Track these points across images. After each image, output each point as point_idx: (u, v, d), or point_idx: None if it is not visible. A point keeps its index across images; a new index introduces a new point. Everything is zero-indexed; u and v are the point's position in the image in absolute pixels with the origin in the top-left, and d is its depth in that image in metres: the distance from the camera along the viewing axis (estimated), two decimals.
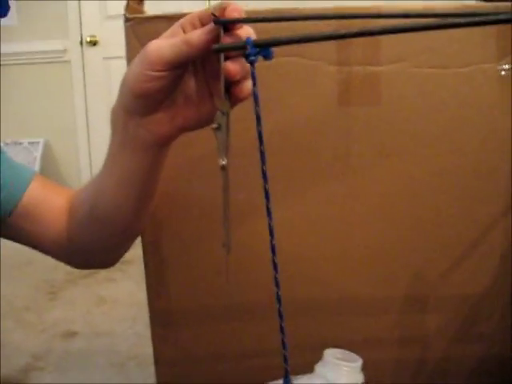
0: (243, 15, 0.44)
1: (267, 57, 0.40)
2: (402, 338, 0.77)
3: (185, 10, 0.53)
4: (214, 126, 0.43)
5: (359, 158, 0.70)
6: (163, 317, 0.77)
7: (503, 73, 0.70)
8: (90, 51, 3.35)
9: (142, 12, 0.71)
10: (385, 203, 0.72)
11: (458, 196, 0.73)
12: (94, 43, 3.33)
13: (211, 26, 0.44)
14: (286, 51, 0.67)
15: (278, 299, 0.40)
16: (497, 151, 0.72)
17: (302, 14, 0.55)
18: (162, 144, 0.53)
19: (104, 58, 3.27)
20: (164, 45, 0.46)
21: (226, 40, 0.43)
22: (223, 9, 0.43)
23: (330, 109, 0.68)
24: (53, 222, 0.65)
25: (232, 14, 0.43)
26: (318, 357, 0.62)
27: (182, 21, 0.48)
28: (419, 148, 0.71)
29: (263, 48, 0.39)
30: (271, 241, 0.40)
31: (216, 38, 0.43)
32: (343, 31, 0.37)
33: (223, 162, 0.42)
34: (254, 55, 0.39)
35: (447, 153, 0.71)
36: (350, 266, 0.74)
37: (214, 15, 0.43)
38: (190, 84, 0.50)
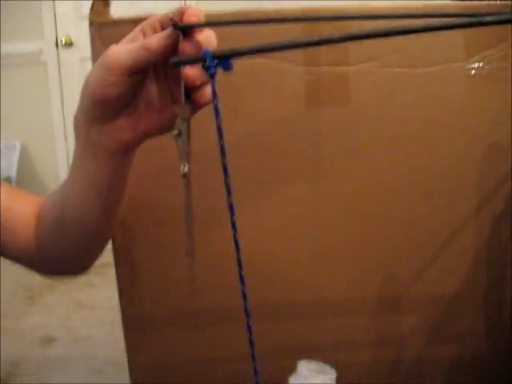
0: (202, 19, 0.43)
1: (227, 68, 0.39)
2: (377, 339, 0.77)
3: (159, 11, 0.52)
4: (175, 132, 0.42)
5: (329, 159, 0.69)
6: (136, 322, 0.76)
7: (473, 72, 0.70)
8: (66, 52, 3.32)
9: (107, 15, 0.70)
10: (356, 204, 0.72)
11: (429, 196, 0.73)
12: (69, 44, 3.30)
13: (170, 30, 0.43)
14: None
15: (244, 296, 0.40)
16: (467, 151, 0.72)
17: (266, 18, 0.54)
18: (125, 150, 0.52)
19: (80, 59, 3.23)
20: (122, 50, 0.45)
21: (185, 46, 0.42)
22: (182, 13, 0.43)
23: (298, 110, 0.67)
24: (21, 230, 0.64)
25: (191, 18, 0.42)
26: (292, 360, 0.62)
27: (142, 25, 0.47)
28: (389, 148, 0.70)
29: (222, 60, 0.38)
30: (235, 238, 0.39)
31: (175, 43, 0.43)
32: (306, 40, 0.37)
33: (185, 169, 0.41)
34: (213, 67, 0.38)
35: (417, 153, 0.71)
36: (322, 268, 0.73)
37: (173, 20, 0.42)
38: (152, 89, 0.49)
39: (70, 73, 3.31)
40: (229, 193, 0.38)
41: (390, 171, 0.71)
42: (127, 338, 0.77)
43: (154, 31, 0.46)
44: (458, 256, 0.74)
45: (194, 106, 0.45)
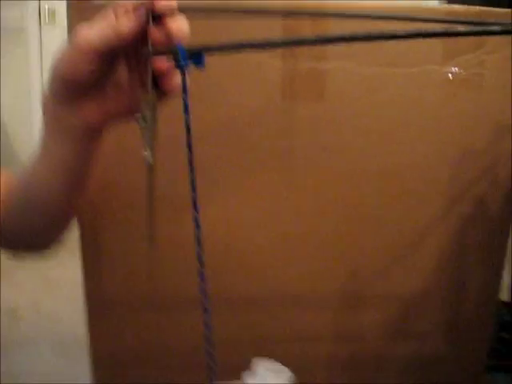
0: (175, 6, 0.43)
1: (199, 64, 0.38)
2: (338, 334, 0.78)
3: None
4: (138, 116, 0.42)
5: (302, 153, 0.70)
6: (98, 303, 0.75)
7: (450, 76, 0.70)
8: (48, 28, 3.26)
9: None
10: (325, 199, 0.72)
11: (399, 196, 0.73)
12: (52, 16, 3.24)
13: (140, 13, 0.42)
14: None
15: (203, 292, 0.40)
16: (439, 153, 0.73)
17: (241, 8, 0.54)
18: (93, 132, 0.51)
19: (63, 27, 3.19)
20: (92, 32, 0.44)
21: (155, 32, 0.42)
22: None
23: (274, 102, 0.67)
24: None
25: (162, 4, 0.42)
26: (251, 351, 0.62)
27: (115, 5, 0.46)
28: (362, 146, 0.71)
29: (195, 55, 0.37)
30: (197, 234, 0.39)
31: (146, 27, 0.42)
32: (281, 40, 0.37)
33: (147, 155, 0.41)
34: (185, 62, 0.37)
35: (390, 152, 0.72)
36: (287, 261, 0.74)
37: (143, 7, 0.41)
38: (122, 72, 0.49)
39: (52, 52, 3.25)
40: (193, 189, 0.38)
41: (362, 168, 0.71)
42: (90, 318, 0.77)
43: (126, 12, 0.46)
44: (423, 256, 0.75)
45: (162, 93, 0.45)
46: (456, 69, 0.69)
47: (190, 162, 0.37)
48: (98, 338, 0.77)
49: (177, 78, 0.44)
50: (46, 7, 3.26)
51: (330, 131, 0.69)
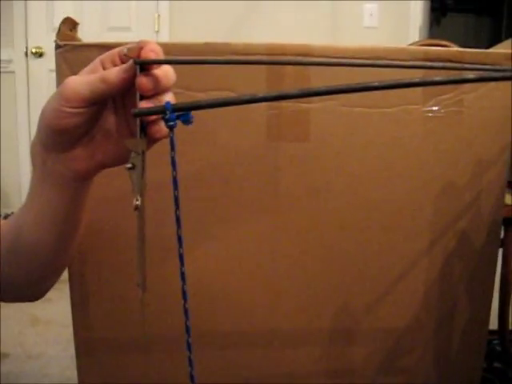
0: (161, 55, 0.44)
1: (187, 122, 0.39)
2: (329, 370, 0.78)
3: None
4: (128, 166, 0.42)
5: (287, 193, 0.71)
6: (87, 344, 0.75)
7: (429, 115, 0.72)
8: (36, 63, 3.28)
9: (74, 39, 0.70)
10: (312, 238, 0.73)
11: (385, 231, 0.74)
12: (39, 54, 3.27)
13: (129, 64, 0.43)
14: (216, 85, 0.67)
15: (187, 330, 0.40)
16: (422, 189, 0.74)
17: (231, 52, 0.55)
18: (81, 180, 0.52)
19: (50, 70, 3.20)
20: (81, 82, 0.45)
21: (142, 80, 0.43)
22: (140, 48, 0.43)
23: (259, 144, 0.69)
24: None
25: (149, 54, 0.43)
26: None
27: (102, 57, 0.47)
28: (346, 184, 0.72)
29: (183, 113, 0.38)
30: (180, 269, 0.40)
31: (133, 77, 0.43)
32: (265, 95, 0.38)
33: (137, 202, 0.42)
34: (173, 120, 0.38)
35: (374, 189, 0.73)
36: (277, 299, 0.74)
37: (128, 56, 0.43)
38: (110, 120, 0.49)
39: (39, 83, 3.27)
40: (178, 226, 0.39)
41: (347, 207, 0.73)
42: (78, 358, 0.76)
43: (113, 64, 0.47)
44: (410, 291, 0.76)
45: (149, 139, 0.45)
46: (435, 108, 0.71)
47: (178, 217, 0.38)
48: (86, 378, 0.76)
49: (163, 125, 0.45)
50: (34, 50, 3.28)
51: (314, 171, 0.71)
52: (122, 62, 0.46)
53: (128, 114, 0.49)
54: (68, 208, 0.53)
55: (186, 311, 0.40)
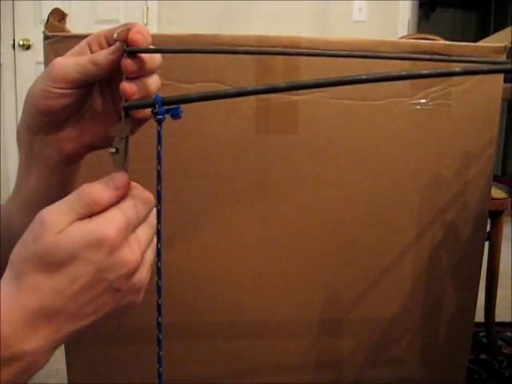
0: (148, 37, 0.44)
1: (176, 116, 0.39)
2: (317, 361, 0.78)
3: None
4: (112, 150, 0.42)
5: (276, 184, 0.71)
6: (75, 340, 0.75)
7: (418, 107, 0.73)
8: (23, 55, 3.25)
9: (62, 30, 0.70)
10: (301, 229, 0.73)
11: (372, 224, 0.75)
12: (27, 47, 3.24)
13: (116, 45, 0.43)
14: (205, 77, 0.67)
15: (158, 326, 0.40)
16: (409, 181, 0.74)
17: (220, 43, 0.55)
18: (69, 162, 0.51)
19: (37, 63, 3.18)
20: (69, 63, 0.45)
21: (128, 62, 0.42)
22: (128, 29, 0.43)
23: (247, 136, 0.69)
24: None
25: (136, 36, 0.43)
26: (233, 380, 0.62)
27: (88, 39, 0.47)
28: (335, 176, 0.72)
29: (172, 106, 0.38)
30: (157, 263, 0.40)
31: (121, 58, 0.43)
32: (253, 88, 0.38)
33: None
34: (162, 114, 0.38)
35: (362, 181, 0.73)
36: (265, 290, 0.75)
37: (117, 40, 0.42)
38: (97, 102, 0.49)
39: (26, 76, 3.24)
40: (159, 220, 0.39)
41: (335, 198, 0.73)
42: (66, 351, 0.77)
43: (100, 46, 0.46)
44: (397, 282, 0.77)
45: (134, 121, 0.45)
46: (423, 100, 0.71)
47: (159, 211, 0.38)
48: (74, 372, 0.77)
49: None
50: (21, 43, 3.26)
51: (302, 163, 0.71)
52: (109, 45, 0.46)
53: (115, 95, 0.48)
54: (56, 192, 0.53)
55: (158, 307, 0.40)
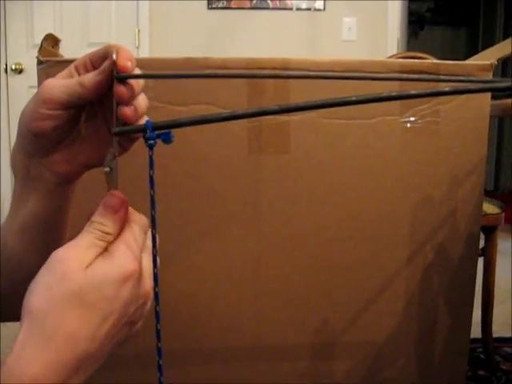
0: (135, 62, 0.44)
1: (167, 141, 0.39)
2: (313, 383, 0.78)
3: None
4: (106, 169, 0.43)
5: (269, 205, 0.71)
6: None
7: (408, 125, 0.73)
8: (16, 79, 3.27)
9: (56, 55, 0.71)
10: (294, 249, 0.73)
11: (365, 242, 0.75)
12: (19, 71, 3.25)
13: (102, 67, 0.44)
14: (197, 100, 0.68)
15: (159, 351, 0.40)
16: (401, 198, 0.75)
17: (211, 66, 0.56)
18: (65, 183, 0.52)
19: (29, 87, 3.19)
20: (58, 84, 0.45)
21: (121, 90, 0.43)
22: (115, 52, 0.44)
23: (240, 156, 0.69)
24: None
25: (125, 62, 0.43)
26: None
27: (76, 62, 0.48)
28: (327, 195, 0.73)
29: (163, 131, 0.38)
30: (154, 288, 0.39)
31: (107, 79, 0.44)
32: (245, 112, 0.38)
33: None
34: (154, 139, 0.38)
35: (354, 200, 0.74)
36: (260, 312, 0.74)
37: (112, 67, 0.43)
38: (89, 123, 0.49)
39: (19, 100, 3.25)
40: (154, 245, 0.39)
41: (328, 217, 0.73)
42: None
43: (85, 68, 0.47)
44: (391, 302, 0.77)
45: (126, 141, 0.46)
46: (413, 118, 0.72)
47: (154, 236, 0.38)
48: None
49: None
50: (13, 67, 3.27)
51: (295, 182, 0.71)
52: (93, 67, 0.46)
53: (106, 116, 0.49)
54: (53, 214, 0.53)
55: (157, 332, 0.40)
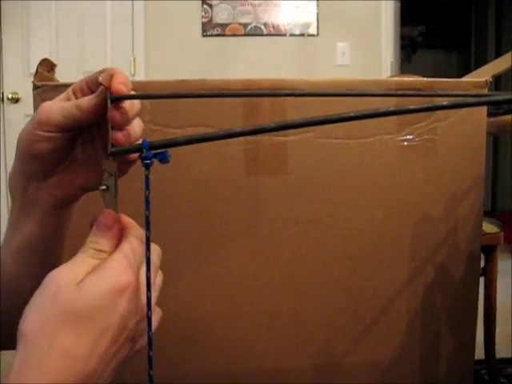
0: (130, 85, 0.44)
1: (164, 160, 0.39)
2: None
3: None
4: (102, 187, 0.42)
5: (268, 226, 0.71)
6: None
7: (405, 143, 0.73)
8: (12, 108, 3.28)
9: (51, 79, 0.71)
10: (293, 270, 0.72)
11: (366, 261, 0.74)
12: (15, 100, 3.26)
13: (99, 90, 0.44)
14: (193, 122, 0.68)
15: (150, 380, 0.38)
16: (400, 217, 0.74)
17: (208, 87, 0.56)
18: (64, 205, 0.52)
19: (26, 116, 3.20)
20: (55, 107, 0.46)
21: (115, 115, 0.43)
22: (110, 76, 0.44)
23: (237, 178, 0.69)
24: None
25: (119, 86, 0.44)
26: None
27: (73, 86, 0.48)
28: (326, 215, 0.72)
29: (159, 151, 0.38)
30: (147, 312, 0.38)
31: (103, 102, 0.44)
32: (241, 130, 0.38)
33: None
34: (150, 159, 0.38)
35: (353, 219, 0.73)
36: (261, 334, 0.73)
37: (102, 84, 0.43)
38: (87, 146, 0.50)
39: (15, 129, 3.26)
40: (148, 268, 0.38)
41: (328, 237, 0.73)
42: None
43: (82, 91, 0.48)
44: (393, 323, 0.76)
45: (123, 163, 0.45)
46: (410, 136, 0.72)
47: (148, 259, 0.38)
48: None
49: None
50: (10, 96, 3.29)
51: (293, 203, 0.71)
52: (90, 90, 0.47)
53: (104, 139, 0.49)
54: (50, 237, 0.53)
55: (149, 359, 0.38)
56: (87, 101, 0.46)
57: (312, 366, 0.74)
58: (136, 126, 0.45)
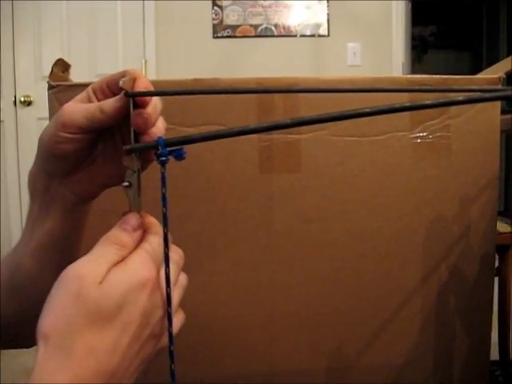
0: (151, 89, 0.45)
1: (179, 157, 0.39)
2: None
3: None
4: (125, 184, 0.43)
5: (282, 224, 0.71)
6: None
7: (418, 141, 0.73)
8: (24, 111, 3.30)
9: (66, 80, 0.71)
10: (308, 268, 0.72)
11: (379, 260, 0.74)
12: (28, 103, 3.29)
13: (122, 94, 0.45)
14: (207, 120, 0.68)
15: (172, 375, 0.39)
16: (413, 215, 0.74)
17: (221, 86, 0.56)
18: (85, 201, 0.53)
19: (38, 119, 3.22)
20: (78, 108, 0.46)
21: (138, 120, 0.44)
22: (133, 79, 0.44)
23: (251, 176, 0.69)
24: None
25: (140, 88, 0.44)
26: None
27: (93, 86, 0.48)
28: (340, 213, 0.72)
29: (175, 148, 0.38)
30: (167, 309, 0.39)
31: (126, 104, 0.44)
32: (256, 126, 0.38)
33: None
34: (165, 156, 0.38)
35: (367, 218, 0.73)
36: (274, 335, 0.73)
37: (123, 89, 0.44)
38: (108, 145, 0.50)
39: (28, 132, 3.28)
40: (167, 264, 0.38)
41: (341, 236, 0.72)
42: None
43: (103, 93, 0.48)
44: (407, 322, 0.75)
45: (145, 159, 0.46)
46: (423, 133, 0.72)
47: (166, 255, 0.38)
48: None
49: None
50: (22, 99, 3.31)
51: (307, 201, 0.71)
52: (110, 90, 0.47)
53: (125, 137, 0.49)
54: (70, 232, 0.53)
55: (171, 353, 0.39)
56: (111, 104, 0.46)
57: (325, 366, 0.74)
58: (160, 127, 0.46)
